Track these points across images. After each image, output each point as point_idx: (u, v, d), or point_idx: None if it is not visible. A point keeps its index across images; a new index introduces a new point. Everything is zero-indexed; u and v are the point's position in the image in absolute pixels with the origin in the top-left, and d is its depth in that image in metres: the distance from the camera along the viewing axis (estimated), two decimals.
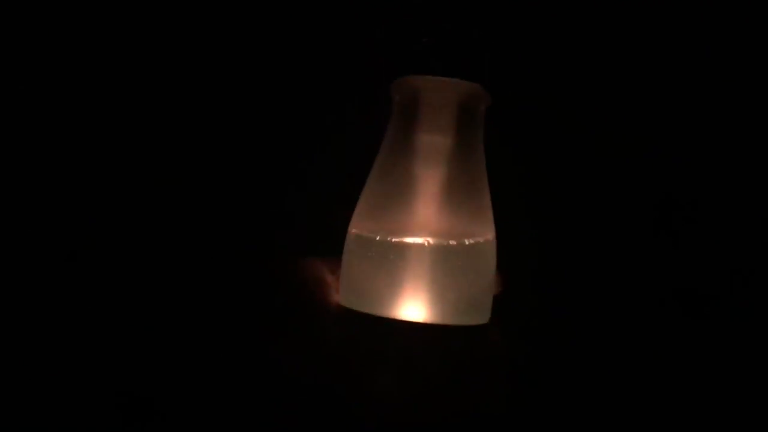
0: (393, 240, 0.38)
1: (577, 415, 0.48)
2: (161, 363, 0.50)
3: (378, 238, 0.39)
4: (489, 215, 0.40)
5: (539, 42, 0.51)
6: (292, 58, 0.53)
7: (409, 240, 0.38)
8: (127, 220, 0.53)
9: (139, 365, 0.50)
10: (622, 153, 0.52)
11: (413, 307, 0.38)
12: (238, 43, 0.54)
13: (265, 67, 0.54)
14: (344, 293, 0.40)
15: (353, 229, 0.40)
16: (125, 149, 0.54)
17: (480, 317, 0.40)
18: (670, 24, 0.52)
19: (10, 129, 0.54)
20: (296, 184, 0.53)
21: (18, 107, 0.54)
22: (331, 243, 0.42)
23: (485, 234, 0.40)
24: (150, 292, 0.52)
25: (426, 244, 0.38)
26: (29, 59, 0.54)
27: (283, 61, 0.53)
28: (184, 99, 0.54)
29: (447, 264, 0.38)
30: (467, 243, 0.39)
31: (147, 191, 0.54)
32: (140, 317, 0.51)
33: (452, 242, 0.38)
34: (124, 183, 0.54)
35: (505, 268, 0.41)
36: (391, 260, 0.38)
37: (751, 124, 0.52)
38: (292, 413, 0.41)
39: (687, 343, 0.51)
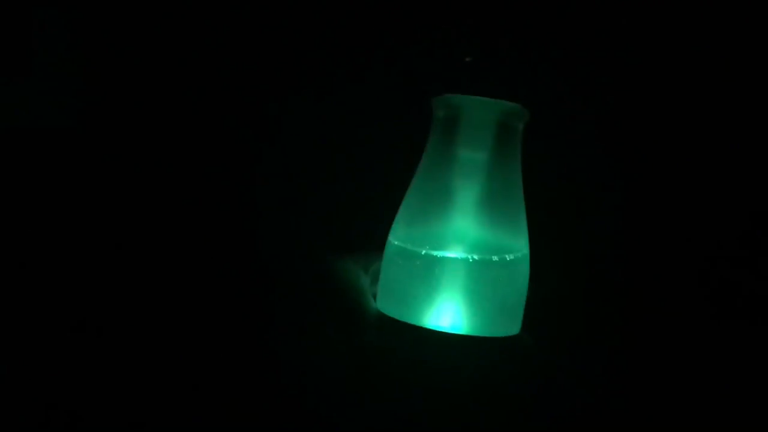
0: (432, 253, 0.40)
1: (606, 422, 0.49)
2: (197, 363, 0.51)
3: (417, 250, 0.40)
4: (524, 230, 0.42)
5: (575, 61, 0.52)
6: (347, 71, 0.55)
7: (447, 254, 0.40)
8: (171, 222, 0.55)
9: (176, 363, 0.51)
10: (653, 170, 0.53)
11: (448, 317, 0.40)
12: (289, 55, 0.56)
13: (318, 77, 0.55)
14: (382, 300, 0.42)
15: (393, 240, 0.42)
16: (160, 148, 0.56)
17: (512, 328, 0.41)
18: (701, 34, 0.52)
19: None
20: (338, 190, 0.54)
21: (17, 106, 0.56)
22: (369, 249, 0.45)
23: (520, 249, 0.41)
24: (186, 290, 0.53)
25: (463, 258, 0.40)
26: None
27: (335, 74, 0.55)
28: (227, 105, 0.56)
29: (482, 277, 0.40)
30: (502, 259, 0.40)
31: (192, 193, 0.56)
32: (174, 317, 0.53)
33: (488, 257, 0.40)
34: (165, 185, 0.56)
35: (538, 280, 0.43)
36: (429, 272, 0.40)
37: None
38: (327, 415, 0.43)
39: (725, 352, 0.52)
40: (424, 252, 0.40)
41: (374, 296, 0.43)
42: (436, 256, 0.40)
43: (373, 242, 0.44)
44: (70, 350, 0.50)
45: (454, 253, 0.40)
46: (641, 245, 0.53)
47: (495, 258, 0.40)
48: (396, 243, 0.42)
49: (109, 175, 0.57)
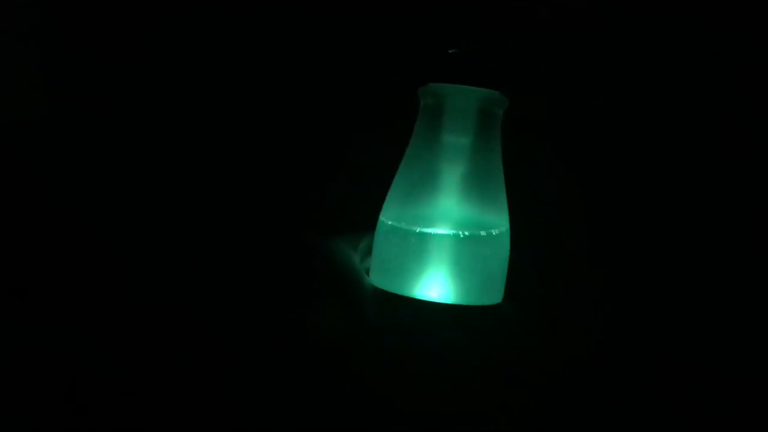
0: (423, 231, 0.44)
1: (584, 392, 0.53)
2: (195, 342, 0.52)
3: (407, 227, 0.44)
4: (504, 208, 0.46)
5: (551, 50, 0.56)
6: (335, 64, 0.58)
7: (434, 230, 0.44)
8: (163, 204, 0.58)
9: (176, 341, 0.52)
10: (627, 155, 0.56)
11: (437, 289, 0.44)
12: (275, 45, 0.58)
13: (310, 67, 0.58)
14: (375, 274, 0.46)
15: (385, 219, 0.46)
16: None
17: (494, 298, 0.45)
18: (682, 27, 0.55)
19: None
20: (331, 174, 0.58)
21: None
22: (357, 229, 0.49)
23: (501, 225, 0.45)
24: (184, 270, 0.55)
25: (451, 234, 0.44)
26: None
27: (328, 65, 0.58)
28: (214, 95, 0.59)
29: (468, 251, 0.44)
30: (485, 234, 0.44)
31: (181, 177, 0.58)
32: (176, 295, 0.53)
33: (474, 233, 0.44)
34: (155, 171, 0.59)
35: (518, 254, 0.47)
36: (420, 248, 0.44)
37: None
38: (327, 384, 0.46)
39: (705, 326, 0.55)
40: (417, 230, 0.44)
41: (366, 272, 0.47)
42: (427, 233, 0.44)
43: (360, 223, 0.48)
44: (49, 335, 0.50)
45: (442, 229, 0.44)
46: (618, 221, 0.57)
47: (482, 233, 0.44)
48: (389, 222, 0.45)
49: (79, 169, 0.59)
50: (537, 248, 0.51)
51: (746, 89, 0.56)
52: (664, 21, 0.55)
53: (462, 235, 0.44)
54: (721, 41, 0.55)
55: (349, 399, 0.45)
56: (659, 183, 0.56)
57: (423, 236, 0.44)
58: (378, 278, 0.46)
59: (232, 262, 0.53)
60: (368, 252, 0.48)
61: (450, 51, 0.46)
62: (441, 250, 0.44)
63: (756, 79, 0.56)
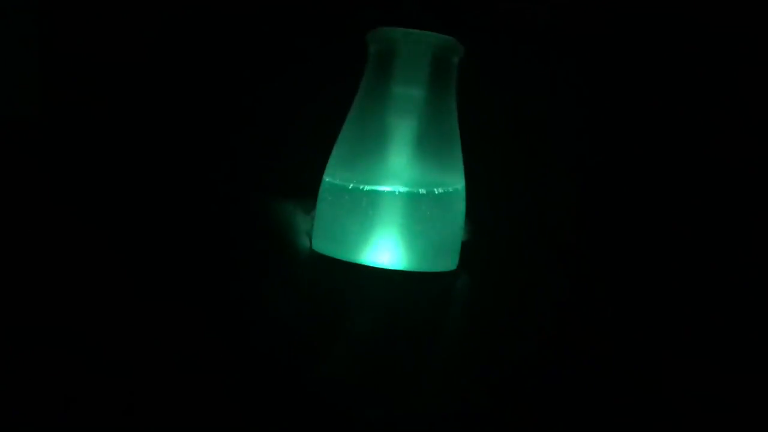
0: (365, 188, 0.40)
1: (539, 363, 0.50)
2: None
3: (350, 186, 0.40)
4: (459, 166, 0.42)
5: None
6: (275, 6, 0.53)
7: (380, 188, 0.40)
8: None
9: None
10: (598, 108, 0.53)
11: (384, 253, 0.39)
12: None
13: (240, 12, 0.53)
14: (317, 239, 0.42)
15: (327, 177, 0.41)
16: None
17: (448, 264, 0.41)
18: None
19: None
20: (274, 129, 0.53)
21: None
22: (307, 189, 0.44)
23: (455, 183, 0.41)
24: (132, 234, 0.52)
25: (397, 192, 0.40)
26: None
27: (260, 5, 0.53)
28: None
29: (417, 212, 0.40)
30: (437, 192, 0.40)
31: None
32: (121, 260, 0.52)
33: (422, 191, 0.40)
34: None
35: (474, 216, 0.43)
36: (363, 208, 0.39)
37: None
38: (265, 354, 0.43)
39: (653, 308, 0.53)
40: (351, 186, 0.40)
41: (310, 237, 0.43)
42: (365, 189, 0.40)
43: (306, 185, 0.44)
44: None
45: (382, 186, 0.40)
46: (580, 185, 0.53)
47: (422, 191, 0.40)
48: (328, 180, 0.41)
49: (69, 163, 0.55)
50: (493, 211, 0.48)
51: (746, 87, 0.53)
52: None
53: (403, 192, 0.40)
54: (719, 39, 0.52)
55: (284, 371, 0.41)
56: (627, 134, 0.53)
57: (365, 194, 0.40)
58: (320, 243, 0.41)
59: (175, 225, 0.52)
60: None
61: None
62: (389, 211, 0.39)
63: (755, 77, 0.53)
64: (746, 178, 0.54)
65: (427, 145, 0.41)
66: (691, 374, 0.51)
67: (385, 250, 0.40)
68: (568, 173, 0.53)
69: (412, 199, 0.40)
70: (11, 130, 0.55)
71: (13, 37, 0.56)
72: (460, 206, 0.41)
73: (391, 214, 0.40)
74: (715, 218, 0.54)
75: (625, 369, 0.51)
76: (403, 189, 0.40)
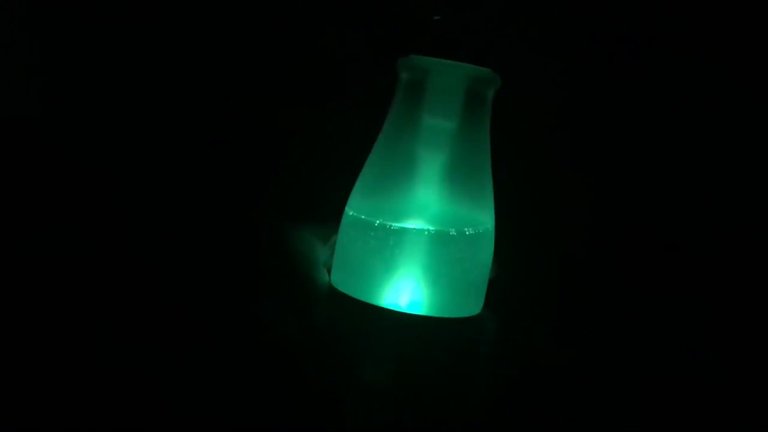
0: (389, 225, 0.37)
1: (572, 408, 0.47)
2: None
3: (374, 221, 0.38)
4: (489, 204, 0.39)
5: (552, 27, 0.49)
6: (296, 24, 0.51)
7: (405, 226, 0.37)
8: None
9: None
10: (627, 147, 0.51)
11: (404, 296, 0.37)
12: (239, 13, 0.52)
13: (264, 34, 0.52)
14: (336, 274, 0.39)
15: (350, 210, 0.39)
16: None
17: (473, 308, 0.39)
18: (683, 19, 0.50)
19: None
20: (297, 156, 0.51)
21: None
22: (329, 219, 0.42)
23: (484, 223, 0.39)
24: (140, 259, 0.51)
25: (420, 230, 0.37)
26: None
27: (286, 28, 0.52)
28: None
29: (443, 253, 0.37)
30: (466, 233, 0.38)
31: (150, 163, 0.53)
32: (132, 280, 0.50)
33: (451, 231, 0.37)
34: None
35: (503, 257, 0.40)
36: (386, 246, 0.37)
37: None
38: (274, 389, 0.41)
39: (689, 343, 0.51)
40: (375, 221, 0.37)
41: (329, 269, 0.41)
42: (390, 227, 0.37)
43: (329, 214, 0.42)
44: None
45: (410, 224, 0.37)
46: (613, 225, 0.51)
47: (451, 231, 0.37)
48: (351, 213, 0.39)
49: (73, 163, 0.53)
50: (522, 252, 0.45)
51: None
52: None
53: (431, 232, 0.37)
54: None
55: (291, 406, 0.39)
56: (662, 181, 0.51)
57: (389, 232, 0.37)
58: (339, 279, 0.39)
59: (187, 248, 0.50)
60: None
61: (435, 17, 0.39)
62: (407, 249, 0.37)
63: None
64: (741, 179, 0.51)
65: (458, 181, 0.39)
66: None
67: (409, 293, 0.37)
68: (598, 211, 0.51)
69: (438, 238, 0.37)
70: (13, 130, 0.54)
71: (14, 37, 0.55)
72: (490, 247, 0.39)
73: (415, 254, 0.37)
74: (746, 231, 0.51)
75: (659, 410, 0.49)
76: (431, 228, 0.37)
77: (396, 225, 0.37)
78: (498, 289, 0.41)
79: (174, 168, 0.53)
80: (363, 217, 0.38)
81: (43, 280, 0.49)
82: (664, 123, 0.51)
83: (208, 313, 0.46)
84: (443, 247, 0.37)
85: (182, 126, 0.53)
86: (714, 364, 0.50)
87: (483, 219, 0.39)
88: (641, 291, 0.51)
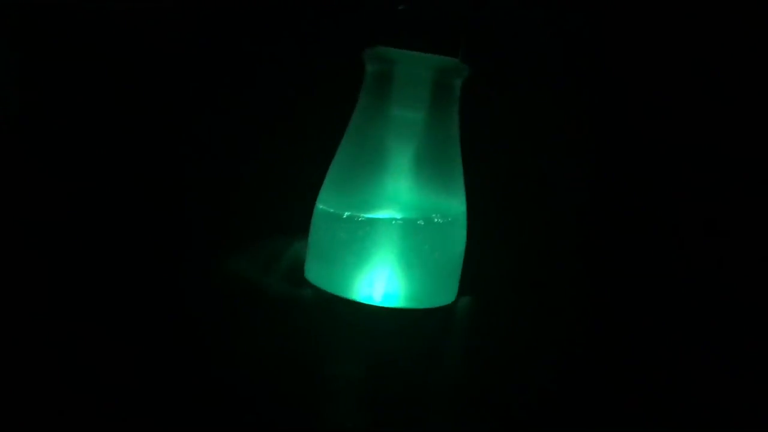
0: (358, 216, 0.37)
1: (549, 395, 0.48)
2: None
3: (343, 214, 0.37)
4: (461, 193, 0.39)
5: (519, 15, 0.49)
6: (262, 17, 0.51)
7: (374, 217, 0.37)
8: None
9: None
10: (595, 131, 0.51)
11: (379, 289, 0.37)
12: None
13: (230, 27, 0.51)
14: (309, 269, 0.39)
15: (320, 204, 0.39)
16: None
17: (447, 297, 0.39)
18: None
19: None
20: (264, 155, 0.50)
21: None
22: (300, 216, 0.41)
23: (455, 212, 0.39)
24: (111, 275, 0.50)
25: (392, 221, 0.37)
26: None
27: (253, 20, 0.51)
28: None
29: (415, 242, 0.37)
30: (435, 221, 0.38)
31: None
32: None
33: (419, 220, 0.37)
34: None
35: (476, 244, 0.41)
36: (356, 238, 0.37)
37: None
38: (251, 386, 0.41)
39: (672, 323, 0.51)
40: (344, 214, 0.37)
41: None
42: (359, 218, 0.37)
43: (297, 210, 0.41)
44: None
45: (380, 215, 0.37)
46: (584, 207, 0.51)
47: (421, 221, 0.37)
48: (321, 207, 0.39)
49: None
50: (494, 240, 0.45)
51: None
52: None
53: (400, 221, 0.37)
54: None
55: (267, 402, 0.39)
56: (640, 168, 0.51)
57: (360, 223, 0.37)
58: (311, 273, 0.39)
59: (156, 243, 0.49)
60: (274, 259, 0.42)
61: (400, 7, 0.39)
62: (382, 241, 0.37)
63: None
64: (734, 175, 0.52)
65: (428, 171, 0.38)
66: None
67: (381, 284, 0.37)
68: (571, 197, 0.51)
69: (410, 228, 0.37)
70: None
71: None
72: (461, 235, 0.39)
73: (387, 245, 0.37)
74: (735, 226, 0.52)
75: (638, 394, 0.49)
76: (400, 218, 0.37)
77: (364, 216, 0.37)
78: (472, 276, 0.41)
79: (143, 162, 0.52)
80: (332, 210, 0.38)
81: (21, 279, 0.48)
82: (638, 110, 0.51)
83: (178, 313, 0.46)
84: (413, 236, 0.37)
85: (151, 125, 0.52)
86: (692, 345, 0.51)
87: (453, 207, 0.39)
88: (620, 275, 0.51)
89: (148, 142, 0.51)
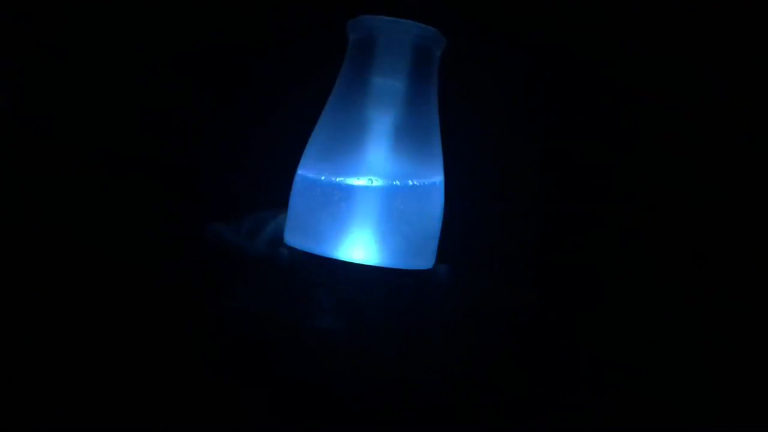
0: (337, 180, 0.38)
1: (523, 359, 0.49)
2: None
3: (323, 178, 0.38)
4: (438, 159, 0.40)
5: None
6: None
7: (353, 180, 0.38)
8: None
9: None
10: (580, 101, 0.52)
11: (357, 248, 0.38)
12: None
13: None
14: (289, 232, 0.40)
15: (300, 170, 0.40)
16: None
17: (425, 261, 0.40)
18: None
19: None
20: (248, 121, 0.51)
21: None
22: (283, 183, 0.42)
23: (433, 176, 0.40)
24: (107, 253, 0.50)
25: (371, 184, 0.38)
26: None
27: None
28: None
29: (392, 205, 0.38)
30: (413, 184, 0.39)
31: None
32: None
33: (397, 183, 0.38)
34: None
35: (455, 211, 0.41)
36: (336, 200, 0.38)
37: None
38: (239, 348, 0.41)
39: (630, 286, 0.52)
40: (324, 178, 0.38)
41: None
42: (337, 181, 0.38)
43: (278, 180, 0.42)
44: None
45: (355, 178, 0.38)
46: (561, 177, 0.52)
47: (397, 183, 0.38)
48: (301, 172, 0.39)
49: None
50: (472, 207, 0.46)
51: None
52: None
53: (388, 185, 0.38)
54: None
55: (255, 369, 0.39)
56: (610, 136, 0.52)
57: (338, 186, 0.38)
58: (291, 235, 0.40)
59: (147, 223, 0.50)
60: (258, 229, 0.42)
61: None
62: (360, 203, 0.38)
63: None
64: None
65: (406, 137, 0.39)
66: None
67: (359, 244, 0.38)
68: (550, 164, 0.52)
69: (387, 191, 0.38)
70: None
71: None
72: (438, 201, 0.40)
73: (365, 207, 0.38)
74: (714, 220, 0.53)
75: (612, 362, 0.50)
76: (378, 181, 0.38)
77: (341, 179, 0.38)
78: (451, 242, 0.42)
79: (130, 145, 0.53)
80: (311, 175, 0.39)
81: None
82: (619, 83, 0.52)
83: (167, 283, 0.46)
84: (390, 199, 0.38)
85: (136, 102, 0.53)
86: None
87: (431, 173, 0.40)
88: (591, 245, 0.52)
89: (134, 114, 0.52)
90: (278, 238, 0.41)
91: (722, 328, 0.52)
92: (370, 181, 0.38)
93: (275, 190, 0.43)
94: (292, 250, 0.39)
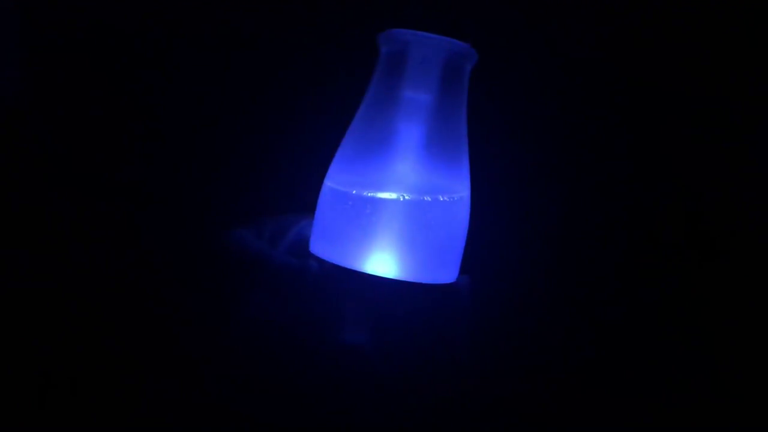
0: (369, 194, 0.38)
1: (546, 373, 0.48)
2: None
3: (354, 192, 0.39)
4: (465, 174, 0.40)
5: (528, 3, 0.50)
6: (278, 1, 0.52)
7: (384, 194, 0.38)
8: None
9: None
10: (605, 118, 0.52)
11: (383, 262, 0.38)
12: None
13: (245, 10, 0.52)
14: (315, 241, 0.40)
15: (328, 182, 0.40)
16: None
17: (448, 276, 0.40)
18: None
19: None
20: (276, 130, 0.52)
21: None
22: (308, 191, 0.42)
23: (459, 192, 0.40)
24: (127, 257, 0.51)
25: (398, 198, 0.38)
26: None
27: (268, 5, 0.52)
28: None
29: (422, 220, 0.38)
30: (440, 199, 0.39)
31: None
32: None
33: (428, 198, 0.38)
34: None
35: (480, 227, 0.42)
36: (367, 214, 0.38)
37: None
38: (261, 358, 0.41)
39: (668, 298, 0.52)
40: (351, 191, 0.38)
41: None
42: (366, 195, 0.38)
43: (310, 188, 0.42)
44: None
45: (382, 193, 0.38)
46: (586, 191, 0.52)
47: (425, 198, 0.38)
48: (329, 184, 0.40)
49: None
50: (498, 221, 0.46)
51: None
52: None
53: (405, 199, 0.38)
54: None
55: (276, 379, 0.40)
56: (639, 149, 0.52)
57: (364, 200, 0.38)
58: (317, 246, 0.40)
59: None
60: (280, 235, 0.43)
61: None
62: (386, 217, 0.38)
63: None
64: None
65: (435, 152, 0.40)
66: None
67: (383, 258, 0.38)
68: (573, 180, 0.52)
69: (417, 206, 0.38)
70: None
71: None
72: (464, 215, 0.40)
73: (395, 222, 0.38)
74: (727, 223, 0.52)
75: (633, 373, 0.50)
76: (404, 195, 0.38)
77: (371, 194, 0.38)
78: (474, 257, 0.42)
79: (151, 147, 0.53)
80: (341, 188, 0.39)
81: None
82: (640, 99, 0.52)
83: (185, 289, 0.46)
84: (419, 214, 0.38)
85: (160, 105, 0.53)
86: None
87: (458, 188, 0.40)
88: (614, 261, 0.52)
89: (160, 120, 0.53)
90: (301, 246, 0.41)
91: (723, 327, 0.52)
92: (401, 197, 0.38)
93: (300, 197, 0.44)
94: (321, 262, 0.39)
